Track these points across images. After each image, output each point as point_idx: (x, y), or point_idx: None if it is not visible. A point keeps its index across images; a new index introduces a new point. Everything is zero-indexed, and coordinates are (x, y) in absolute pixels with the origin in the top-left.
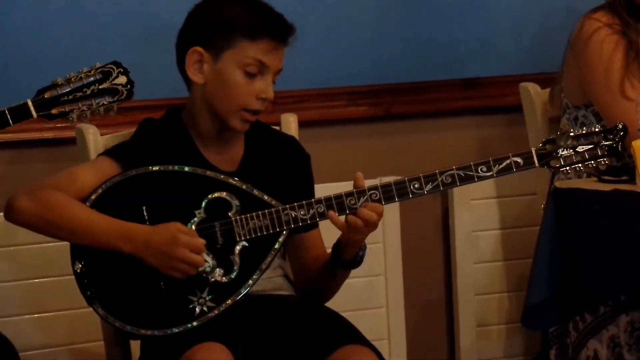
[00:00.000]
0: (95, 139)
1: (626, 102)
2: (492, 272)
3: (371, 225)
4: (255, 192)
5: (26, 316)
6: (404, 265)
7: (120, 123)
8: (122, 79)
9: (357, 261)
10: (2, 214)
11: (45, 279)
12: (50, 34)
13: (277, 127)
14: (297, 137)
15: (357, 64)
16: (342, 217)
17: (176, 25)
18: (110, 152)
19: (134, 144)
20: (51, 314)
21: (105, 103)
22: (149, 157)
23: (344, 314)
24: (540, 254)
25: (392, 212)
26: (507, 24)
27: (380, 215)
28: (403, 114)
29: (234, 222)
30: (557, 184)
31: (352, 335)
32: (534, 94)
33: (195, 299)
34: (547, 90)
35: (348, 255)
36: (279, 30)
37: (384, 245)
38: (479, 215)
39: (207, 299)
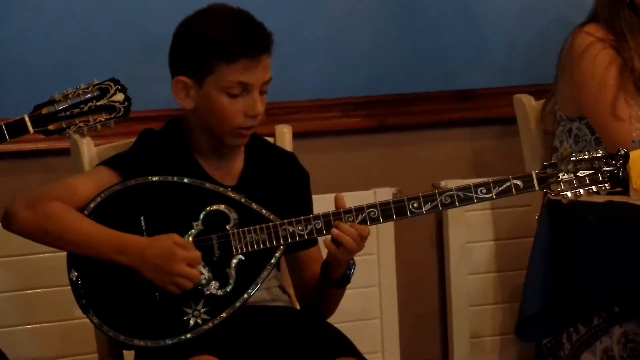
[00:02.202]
0: (90, 149)
1: (617, 122)
2: (486, 283)
3: (354, 246)
4: (254, 206)
5: (20, 327)
6: (398, 276)
7: (114, 134)
8: (120, 96)
9: (345, 280)
10: None
11: (39, 290)
12: (45, 45)
13: (271, 139)
14: (291, 148)
15: (352, 75)
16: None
17: (171, 37)
18: (109, 162)
19: (134, 155)
20: (45, 325)
21: (102, 120)
22: (148, 168)
23: (338, 326)
24: (534, 266)
25: (386, 223)
26: (501, 36)
27: (364, 237)
28: (397, 125)
29: (231, 235)
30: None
31: (344, 347)
32: (527, 105)
33: (189, 311)
34: (541, 101)
35: (336, 274)
36: (254, 47)
37: (378, 257)
38: (473, 227)
39: (201, 311)
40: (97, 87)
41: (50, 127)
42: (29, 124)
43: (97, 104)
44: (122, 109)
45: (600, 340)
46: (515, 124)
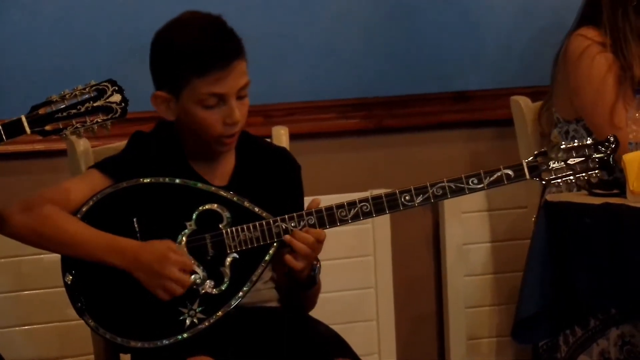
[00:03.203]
0: (86, 150)
1: (614, 130)
2: (482, 285)
3: (308, 252)
4: (246, 204)
5: (16, 328)
6: (394, 278)
7: (110, 135)
8: (117, 97)
9: (311, 282)
10: None
11: (35, 291)
12: (41, 48)
13: (268, 139)
14: (288, 149)
15: (349, 76)
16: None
17: None
18: (100, 166)
19: (124, 157)
20: (42, 326)
21: (99, 121)
22: (140, 170)
23: (334, 327)
24: (531, 267)
25: (383, 224)
26: (497, 38)
27: (321, 241)
28: (394, 127)
29: (224, 234)
30: (548, 197)
31: (340, 348)
32: (524, 107)
33: (185, 310)
34: (538, 103)
35: (300, 278)
36: (223, 57)
37: (375, 258)
38: (470, 228)
39: (197, 310)
40: (94, 88)
41: (47, 127)
42: (25, 124)
43: (94, 104)
44: (119, 110)
45: (596, 343)
46: (512, 125)
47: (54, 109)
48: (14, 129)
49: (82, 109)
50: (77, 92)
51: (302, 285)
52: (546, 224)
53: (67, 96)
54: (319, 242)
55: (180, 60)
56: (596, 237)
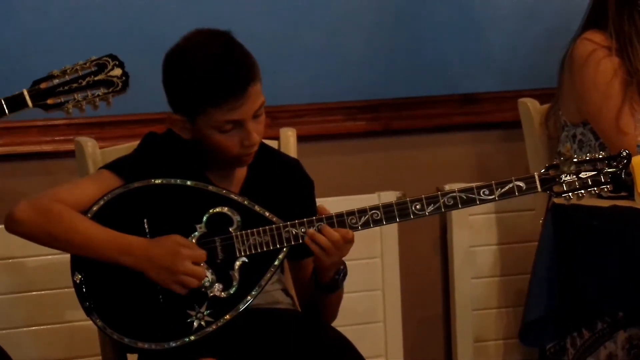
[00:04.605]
0: (94, 152)
1: (621, 135)
2: (490, 287)
3: (331, 248)
4: (257, 208)
5: (24, 329)
6: (401, 280)
7: (119, 136)
8: (117, 71)
9: (334, 285)
10: (1, 226)
11: (43, 292)
12: (49, 50)
13: (276, 142)
14: (295, 151)
15: (356, 79)
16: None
17: (176, 40)
18: (111, 166)
19: (136, 159)
20: (49, 327)
21: (100, 94)
22: (151, 172)
23: (341, 329)
24: (538, 270)
25: (390, 226)
26: (504, 40)
27: (347, 241)
28: (401, 129)
29: (234, 238)
30: (556, 199)
31: (347, 350)
32: (532, 109)
33: (193, 313)
34: (546, 106)
35: (324, 278)
36: (238, 86)
37: (382, 260)
38: (477, 231)
39: (205, 313)
40: (94, 62)
41: (49, 101)
42: (27, 98)
43: (95, 78)
44: (120, 84)
45: (604, 346)
46: (519, 128)
47: (55, 83)
48: (16, 103)
49: (84, 83)
50: (78, 67)
51: (324, 287)
52: (554, 227)
53: (68, 71)
54: (346, 241)
55: (193, 90)
56: (604, 240)
